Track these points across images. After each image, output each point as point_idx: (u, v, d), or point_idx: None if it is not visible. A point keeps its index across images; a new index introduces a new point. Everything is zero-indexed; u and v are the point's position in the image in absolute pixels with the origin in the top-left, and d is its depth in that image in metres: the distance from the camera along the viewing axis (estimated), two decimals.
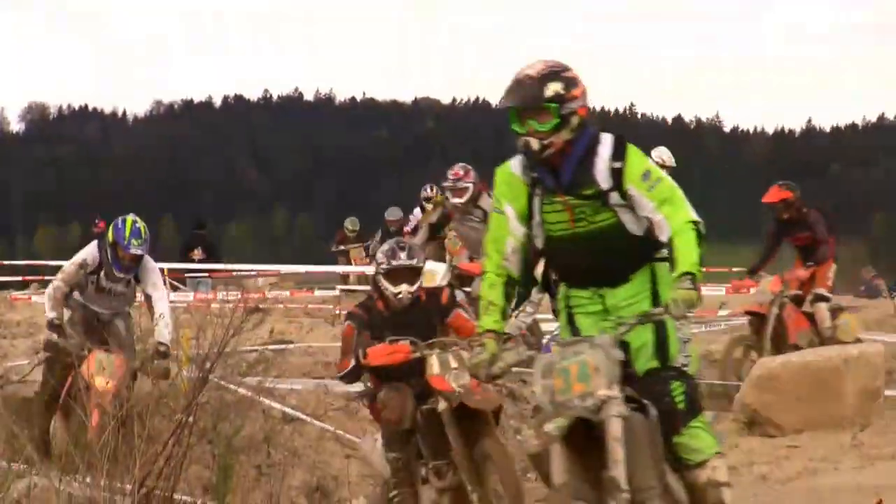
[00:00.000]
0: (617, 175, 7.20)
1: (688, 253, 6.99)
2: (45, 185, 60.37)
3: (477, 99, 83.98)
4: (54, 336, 12.63)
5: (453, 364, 9.84)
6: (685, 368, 7.19)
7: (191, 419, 9.72)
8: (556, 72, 7.17)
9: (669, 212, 7.18)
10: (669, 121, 78.89)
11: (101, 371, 12.15)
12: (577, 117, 7.19)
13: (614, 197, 7.22)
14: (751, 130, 79.37)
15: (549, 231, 7.37)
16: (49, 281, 22.30)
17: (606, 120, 76.24)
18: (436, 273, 15.19)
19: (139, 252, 12.73)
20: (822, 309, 16.49)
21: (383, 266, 10.37)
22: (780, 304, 16.30)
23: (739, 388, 15.06)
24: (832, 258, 17.07)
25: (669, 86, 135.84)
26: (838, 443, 13.28)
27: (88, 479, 9.01)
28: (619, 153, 7.21)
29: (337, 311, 20.91)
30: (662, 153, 18.91)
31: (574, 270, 7.49)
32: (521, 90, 7.19)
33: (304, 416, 12.88)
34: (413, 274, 10.35)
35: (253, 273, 16.99)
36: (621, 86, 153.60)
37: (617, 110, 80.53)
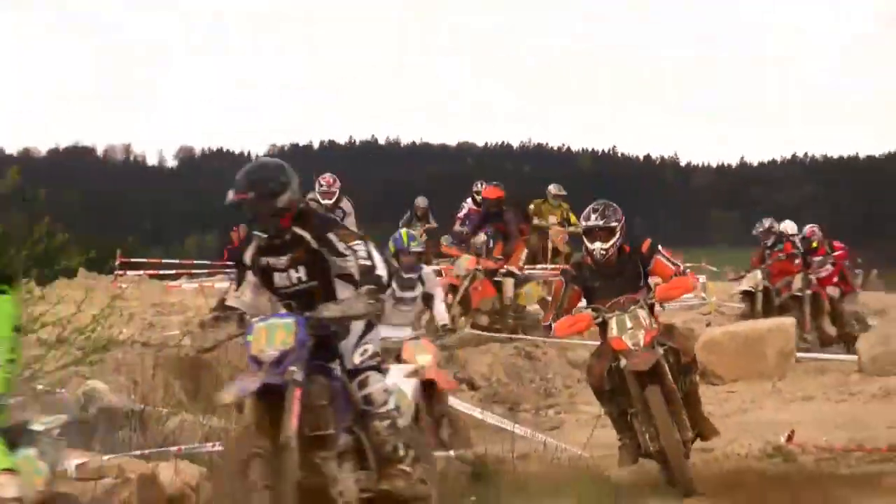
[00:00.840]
0: None
1: None
2: (192, 206, 60.09)
3: (503, 143, 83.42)
4: None
5: (629, 325, 8.59)
6: None
7: None
8: None
9: None
10: (641, 158, 78.27)
11: (417, 352, 10.91)
12: None
13: None
14: (699, 165, 78.70)
15: None
16: (194, 274, 22.36)
17: (595, 158, 75.51)
18: None
19: (419, 249, 11.48)
20: (508, 282, 15.96)
21: (581, 227, 9.09)
22: (472, 279, 15.77)
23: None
24: (522, 245, 16.70)
25: (641, 130, 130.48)
26: (763, 389, 13.39)
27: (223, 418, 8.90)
28: None
29: None
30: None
31: None
32: None
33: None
34: (606, 233, 8.81)
35: None
36: (605, 131, 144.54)
37: (603, 150, 79.98)
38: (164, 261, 23.72)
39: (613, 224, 8.86)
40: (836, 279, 17.32)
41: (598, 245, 8.81)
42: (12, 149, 73.29)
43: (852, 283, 18.04)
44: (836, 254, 17.55)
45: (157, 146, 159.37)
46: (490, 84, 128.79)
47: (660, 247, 8.98)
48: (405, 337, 10.95)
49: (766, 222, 17.55)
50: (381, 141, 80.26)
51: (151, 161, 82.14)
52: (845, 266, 17.88)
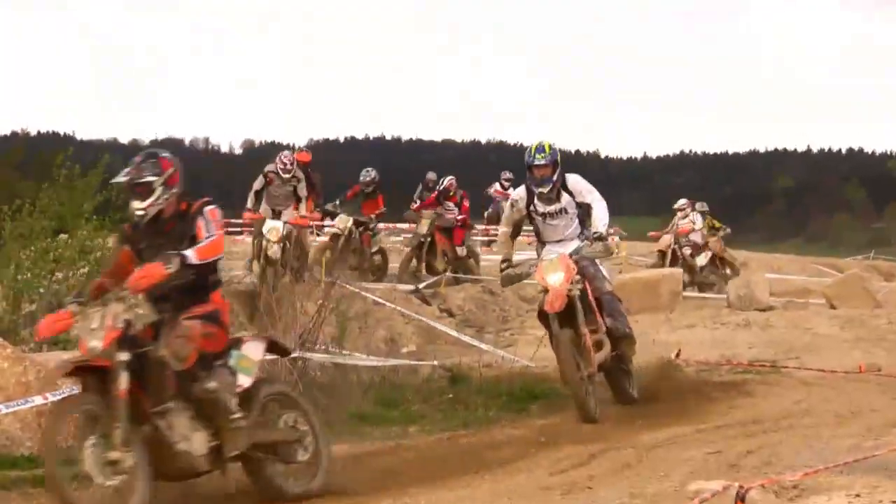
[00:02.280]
0: None
1: None
2: (251, 182, 59.65)
3: (473, 139, 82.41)
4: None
5: (94, 325, 5.32)
6: None
7: (326, 302, 9.40)
8: None
9: None
10: (573, 152, 77.88)
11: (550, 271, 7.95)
12: None
13: None
14: (613, 157, 78.39)
15: None
16: (251, 231, 22.06)
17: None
18: (278, 227, 13.13)
19: (542, 162, 8.00)
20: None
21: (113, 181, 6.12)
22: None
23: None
24: (313, 206, 14.54)
25: (572, 132, 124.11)
26: (659, 319, 13.17)
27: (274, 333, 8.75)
28: None
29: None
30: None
31: None
32: None
33: (384, 302, 12.51)
34: (143, 190, 5.58)
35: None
36: (549, 131, 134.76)
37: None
38: (231, 220, 23.45)
39: (149, 179, 5.59)
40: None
41: (136, 204, 5.60)
42: (124, 139, 72.28)
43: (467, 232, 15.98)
44: (460, 214, 15.62)
45: (228, 138, 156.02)
46: (483, 88, 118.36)
47: (207, 209, 5.79)
48: (566, 252, 8.07)
49: (432, 175, 16.63)
50: (405, 138, 79.14)
51: (224, 149, 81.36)
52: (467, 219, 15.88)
